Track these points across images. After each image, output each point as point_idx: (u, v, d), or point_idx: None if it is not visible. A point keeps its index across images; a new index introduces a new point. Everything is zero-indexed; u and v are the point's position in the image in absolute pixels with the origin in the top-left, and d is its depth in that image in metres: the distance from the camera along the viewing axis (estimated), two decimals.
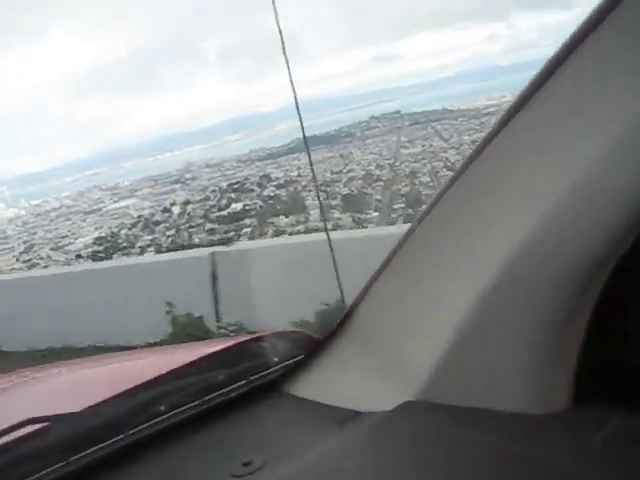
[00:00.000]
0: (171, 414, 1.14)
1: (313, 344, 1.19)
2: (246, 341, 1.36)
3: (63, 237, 44.40)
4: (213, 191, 41.02)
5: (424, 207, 0.89)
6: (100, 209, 47.88)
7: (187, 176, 45.25)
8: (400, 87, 44.47)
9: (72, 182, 54.45)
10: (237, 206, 36.96)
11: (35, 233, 45.95)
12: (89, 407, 1.11)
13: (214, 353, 1.31)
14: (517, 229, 0.75)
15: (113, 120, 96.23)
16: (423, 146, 38.63)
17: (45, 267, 39.91)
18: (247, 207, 34.67)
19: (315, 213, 33.99)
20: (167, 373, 1.20)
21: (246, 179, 39.63)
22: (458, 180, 0.83)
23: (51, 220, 46.96)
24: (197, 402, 1.16)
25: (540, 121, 0.73)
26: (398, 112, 41.10)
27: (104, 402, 1.12)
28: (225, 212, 37.93)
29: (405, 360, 0.96)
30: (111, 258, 38.00)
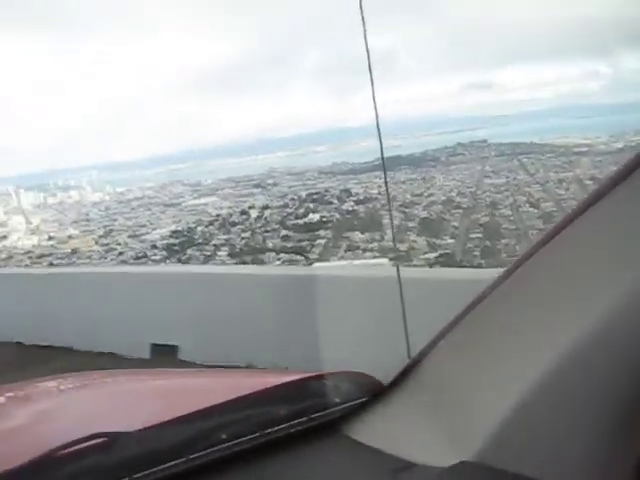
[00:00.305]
0: (232, 443, 1.15)
1: (375, 388, 1.20)
2: (309, 377, 1.38)
3: (141, 226, 45.55)
4: (292, 199, 41.44)
5: (498, 273, 0.91)
6: (180, 203, 48.92)
7: (268, 181, 45.79)
8: (490, 116, 43.85)
9: (156, 174, 55.76)
10: (314, 217, 37.24)
11: (116, 220, 47.28)
12: (153, 426, 1.14)
13: (278, 386, 1.34)
14: (591, 312, 0.75)
15: (204, 119, 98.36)
16: (507, 178, 38.07)
17: (121, 253, 41.04)
18: (324, 219, 34.82)
19: (390, 232, 33.92)
20: (231, 401, 1.23)
21: (326, 191, 39.84)
22: (536, 254, 0.83)
23: (132, 209, 48.23)
24: (258, 434, 1.17)
25: (621, 207, 0.73)
26: (485, 141, 40.63)
27: (168, 423, 1.15)
28: (301, 221, 38.08)
29: (467, 419, 0.96)
30: (185, 252, 38.87)
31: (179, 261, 37.95)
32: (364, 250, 33.93)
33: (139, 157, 57.39)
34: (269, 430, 1.18)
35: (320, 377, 1.34)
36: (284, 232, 36.39)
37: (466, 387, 0.99)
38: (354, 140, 47.14)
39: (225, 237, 38.79)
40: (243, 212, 40.25)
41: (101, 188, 53.87)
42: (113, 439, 1.08)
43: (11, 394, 1.86)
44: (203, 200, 45.18)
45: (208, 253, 37.29)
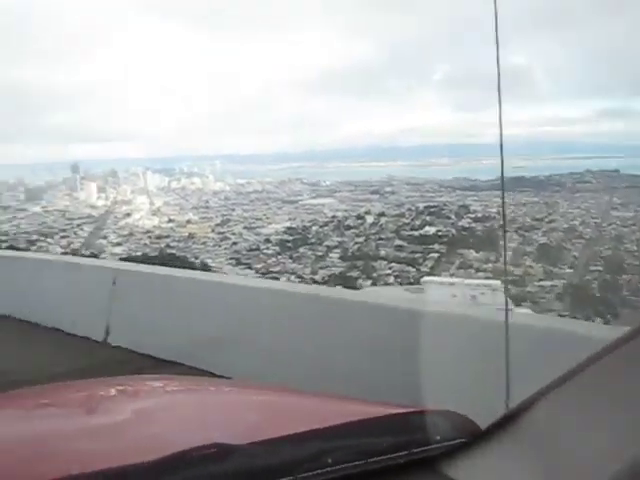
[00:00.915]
0: (337, 468, 1.16)
1: (474, 431, 1.20)
2: (411, 412, 1.40)
3: (257, 219, 46.59)
4: (409, 209, 41.26)
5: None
6: (297, 201, 49.73)
7: (386, 189, 45.82)
8: (625, 146, 41.98)
9: (277, 170, 56.97)
10: (430, 230, 36.85)
11: (234, 210, 48.57)
12: (263, 442, 1.16)
13: (382, 417, 1.36)
14: None
15: (329, 120, 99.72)
16: (636, 212, 36.23)
17: (234, 243, 41.98)
18: (439, 233, 34.49)
19: (507, 255, 33.04)
20: (337, 426, 1.24)
21: (445, 205, 39.42)
22: None
23: (250, 201, 49.42)
24: (361, 462, 1.17)
25: None
26: (617, 171, 38.99)
27: (278, 440, 1.17)
28: (417, 233, 37.89)
29: (570, 476, 0.94)
30: (297, 250, 39.37)
31: (290, 258, 38.50)
32: (477, 270, 33.33)
33: (263, 152, 58.63)
34: (372, 459, 1.19)
35: (421, 413, 1.35)
36: (398, 242, 36.24)
37: (573, 443, 0.95)
38: (477, 157, 46.38)
39: (339, 239, 39.06)
40: (359, 217, 40.41)
41: (223, 178, 55.39)
42: (226, 451, 1.10)
43: (119, 389, 1.91)
44: (320, 200, 45.69)
45: (320, 253, 37.62)
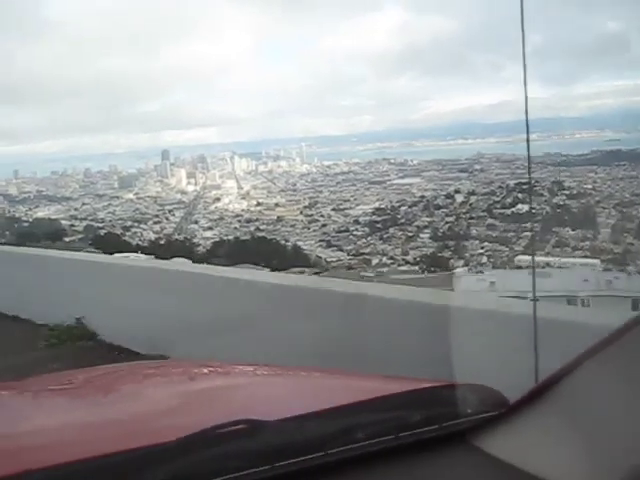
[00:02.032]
0: (367, 443, 1.16)
1: (503, 404, 1.20)
2: (440, 386, 1.39)
3: (345, 201, 46.65)
4: (500, 187, 40.38)
5: None
6: (385, 182, 49.49)
7: (475, 167, 44.99)
8: None
9: (363, 151, 56.83)
10: (522, 207, 35.78)
11: (321, 192, 48.80)
12: (293, 418, 1.16)
13: (411, 392, 1.36)
14: None
15: (414, 99, 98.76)
16: None
17: (324, 225, 42.16)
18: (533, 210, 33.64)
19: (605, 233, 31.98)
20: (367, 401, 1.25)
21: (536, 182, 38.31)
22: None
23: (337, 183, 49.52)
24: (391, 437, 1.18)
25: None
26: None
27: (308, 416, 1.17)
28: (508, 211, 36.96)
29: (610, 446, 0.92)
30: (387, 231, 39.23)
31: (380, 239, 38.41)
32: (574, 248, 32.37)
33: (349, 133, 58.54)
34: (403, 434, 1.19)
35: (451, 387, 1.34)
36: (490, 220, 35.55)
37: (603, 416, 0.94)
38: (569, 130, 44.91)
39: (428, 219, 38.67)
40: (448, 196, 39.86)
41: (309, 160, 55.67)
42: (256, 427, 1.10)
43: (150, 371, 1.93)
44: (408, 180, 45.31)
45: (410, 234, 37.37)
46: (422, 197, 40.32)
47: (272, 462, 1.10)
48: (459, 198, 38.19)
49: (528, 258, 26.73)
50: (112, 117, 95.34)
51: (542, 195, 35.19)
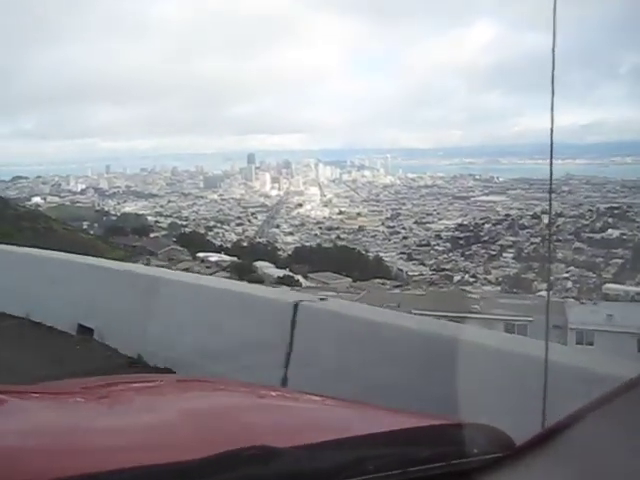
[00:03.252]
0: (376, 475, 1.16)
1: (511, 446, 1.20)
2: (449, 425, 1.40)
3: (428, 214, 46.39)
4: (589, 210, 39.27)
5: None
6: (469, 197, 48.96)
7: (564, 188, 43.88)
8: None
9: (448, 165, 56.39)
10: (613, 233, 34.70)
11: (404, 204, 48.70)
12: (307, 446, 1.16)
13: (420, 428, 1.36)
14: None
15: (503, 116, 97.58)
16: None
17: (405, 238, 42.03)
18: (624, 237, 32.58)
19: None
20: (377, 434, 1.26)
21: (629, 207, 37.14)
22: None
23: (421, 196, 49.32)
24: (400, 471, 1.18)
25: None
26: None
27: (321, 445, 1.17)
28: (598, 236, 35.90)
29: None
30: (470, 248, 38.79)
31: (462, 255, 37.94)
32: None
33: (434, 147, 58.21)
34: (411, 469, 1.19)
35: (459, 426, 1.35)
36: (577, 244, 34.61)
37: (609, 465, 0.94)
38: None
39: (513, 239, 37.98)
40: (534, 216, 39.03)
41: (393, 172, 55.61)
42: (270, 454, 1.12)
43: (162, 388, 1.90)
44: (493, 197, 44.73)
45: (493, 252, 36.80)
46: (507, 216, 39.66)
47: None
48: (546, 219, 37.41)
49: (618, 287, 25.67)
50: (202, 118, 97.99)
51: (634, 221, 34.08)
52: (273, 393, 2.05)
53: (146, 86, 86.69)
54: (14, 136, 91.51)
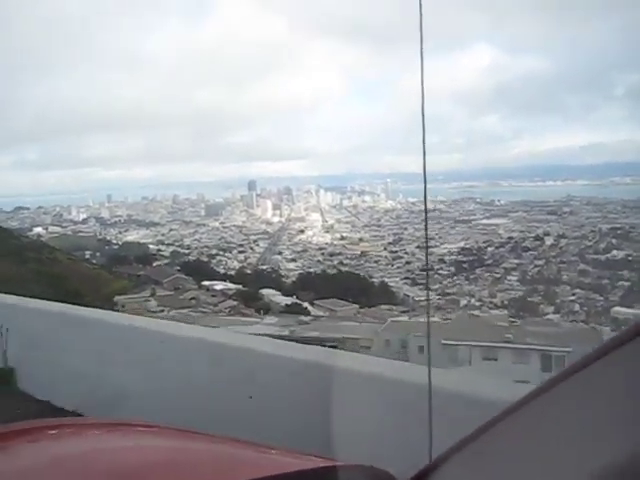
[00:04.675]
0: None
1: None
2: (329, 467, 1.32)
3: (430, 239, 46.39)
4: (592, 231, 39.39)
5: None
6: (470, 221, 49.08)
7: (565, 209, 44.12)
8: None
9: (449, 189, 56.57)
10: (617, 254, 34.97)
11: (405, 229, 48.79)
12: None
13: (301, 472, 1.28)
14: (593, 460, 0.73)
15: (502, 139, 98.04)
16: None
17: (408, 263, 42.04)
18: (629, 258, 32.62)
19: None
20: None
21: (632, 227, 37.25)
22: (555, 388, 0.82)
23: (422, 220, 49.30)
24: None
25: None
26: None
27: None
28: (602, 257, 36.26)
29: None
30: (474, 272, 38.79)
31: (466, 279, 37.94)
32: None
33: (434, 171, 58.47)
34: None
35: (340, 467, 1.29)
36: (582, 266, 34.65)
37: None
38: None
39: (516, 262, 38.04)
40: (537, 238, 39.17)
41: (394, 196, 55.81)
42: None
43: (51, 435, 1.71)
44: (495, 220, 44.86)
45: (497, 275, 36.80)
46: (509, 238, 39.73)
47: None
48: (548, 241, 37.46)
49: (627, 310, 25.58)
50: (202, 147, 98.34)
51: (638, 242, 34.17)
52: (138, 429, 1.88)
53: (145, 116, 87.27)
54: (15, 167, 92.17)
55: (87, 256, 49.23)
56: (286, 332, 21.10)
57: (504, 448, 0.93)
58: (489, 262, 37.24)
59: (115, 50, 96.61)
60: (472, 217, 46.46)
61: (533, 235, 38.63)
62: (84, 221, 61.39)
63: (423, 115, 1.25)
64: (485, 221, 44.58)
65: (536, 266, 35.13)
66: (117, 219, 62.14)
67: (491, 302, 32.91)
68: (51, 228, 58.70)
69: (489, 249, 38.63)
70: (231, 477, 1.25)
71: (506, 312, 28.56)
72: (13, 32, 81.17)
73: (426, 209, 1.80)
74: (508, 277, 35.51)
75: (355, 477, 1.24)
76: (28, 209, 62.03)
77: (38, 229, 56.86)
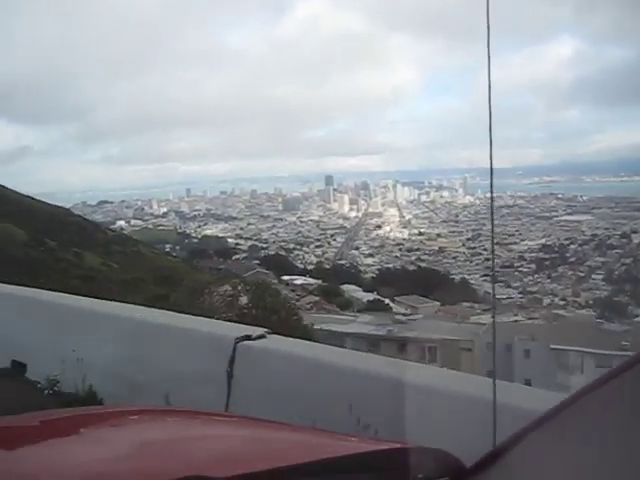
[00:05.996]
0: None
1: (458, 469, 1.18)
2: (393, 449, 1.36)
3: (510, 235, 45.67)
4: None
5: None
6: (552, 217, 48.02)
7: None
8: None
9: (529, 184, 55.53)
10: None
11: (484, 225, 48.10)
12: (245, 475, 1.14)
13: (366, 453, 1.34)
14: None
15: (585, 132, 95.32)
16: None
17: (487, 259, 41.42)
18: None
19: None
20: (324, 460, 1.22)
21: None
22: None
23: (501, 216, 48.63)
24: None
25: None
26: None
27: (259, 474, 1.14)
28: None
29: None
30: (556, 270, 37.92)
31: (548, 277, 37.11)
32: None
33: (514, 166, 57.57)
34: None
35: (406, 450, 1.32)
36: None
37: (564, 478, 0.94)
38: None
39: (602, 260, 36.93)
40: (624, 235, 37.90)
41: (472, 192, 55.11)
42: None
43: (96, 420, 1.80)
44: (577, 217, 43.76)
45: (581, 274, 35.83)
46: (594, 235, 38.73)
47: None
48: (637, 239, 36.35)
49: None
50: (280, 142, 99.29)
51: None
52: (216, 419, 2.00)
53: (225, 112, 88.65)
54: (99, 162, 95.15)
55: (167, 249, 50.46)
56: (383, 332, 21.07)
57: (563, 438, 0.96)
58: (572, 260, 36.42)
59: (197, 47, 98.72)
60: (553, 213, 45.53)
61: (619, 232, 37.58)
62: (164, 215, 63.00)
63: (490, 110, 1.34)
64: (567, 217, 43.64)
65: (623, 264, 34.12)
66: (196, 213, 63.50)
67: (575, 301, 32.17)
68: (133, 221, 60.56)
69: (572, 246, 37.79)
70: (313, 455, 1.31)
71: (592, 312, 27.89)
72: (103, 33, 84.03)
73: (492, 205, 1.91)
74: (592, 276, 34.64)
75: (425, 459, 1.30)
76: (112, 203, 64.11)
77: (121, 222, 58.69)
